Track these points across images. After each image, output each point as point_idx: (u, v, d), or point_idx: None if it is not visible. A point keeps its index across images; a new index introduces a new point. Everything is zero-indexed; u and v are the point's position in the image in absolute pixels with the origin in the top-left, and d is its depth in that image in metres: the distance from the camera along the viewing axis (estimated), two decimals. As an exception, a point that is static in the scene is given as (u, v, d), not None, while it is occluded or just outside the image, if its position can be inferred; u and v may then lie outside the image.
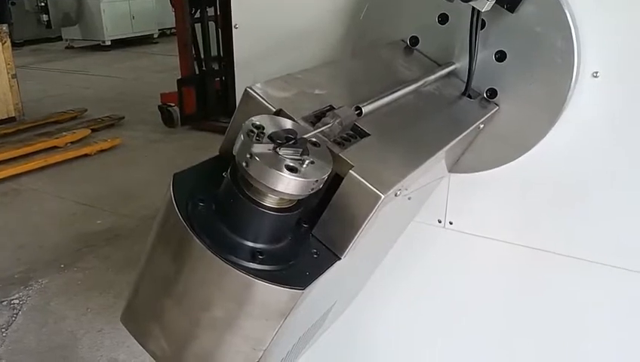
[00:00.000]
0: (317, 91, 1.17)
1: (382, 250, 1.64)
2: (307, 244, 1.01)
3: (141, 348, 1.11)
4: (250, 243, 0.93)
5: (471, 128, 1.34)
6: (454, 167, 1.57)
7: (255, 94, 1.05)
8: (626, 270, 1.48)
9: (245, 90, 1.06)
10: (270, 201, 0.91)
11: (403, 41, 1.56)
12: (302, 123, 1.03)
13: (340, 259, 1.03)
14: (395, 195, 1.03)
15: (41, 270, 3.82)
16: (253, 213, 0.91)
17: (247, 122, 0.90)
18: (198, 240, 0.90)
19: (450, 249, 1.71)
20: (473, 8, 1.33)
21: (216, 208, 0.95)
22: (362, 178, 0.98)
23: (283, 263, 0.93)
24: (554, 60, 1.36)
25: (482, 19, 1.38)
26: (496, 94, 1.45)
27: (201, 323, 1.00)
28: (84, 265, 3.89)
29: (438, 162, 1.28)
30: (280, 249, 0.96)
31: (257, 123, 0.91)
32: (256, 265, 0.90)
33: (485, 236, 1.65)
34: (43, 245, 4.16)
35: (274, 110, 1.03)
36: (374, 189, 0.97)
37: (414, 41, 1.55)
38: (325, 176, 0.90)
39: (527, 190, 1.56)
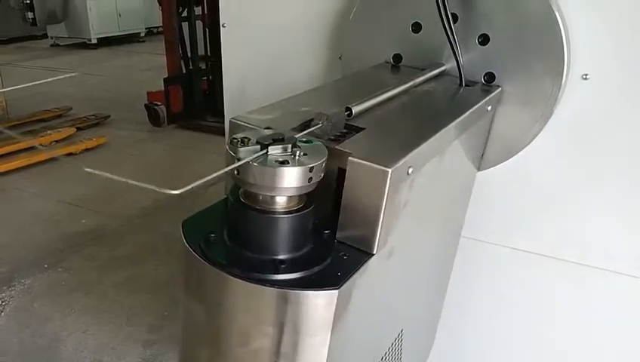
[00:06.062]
0: (304, 108, 1.15)
1: (439, 267, 1.55)
2: (333, 249, 0.96)
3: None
4: (270, 256, 0.89)
5: (476, 106, 1.29)
6: (483, 164, 1.55)
7: (240, 122, 1.05)
8: (611, 272, 1.49)
9: (230, 120, 1.06)
10: (276, 205, 0.89)
11: (387, 62, 1.57)
12: (291, 133, 1.00)
13: (371, 254, 0.96)
14: (407, 173, 0.97)
15: (24, 270, 3.76)
16: (262, 221, 0.88)
17: (232, 136, 0.89)
18: (213, 267, 0.88)
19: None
20: (437, 3, 1.34)
21: (228, 235, 0.94)
22: (363, 160, 0.93)
23: (308, 269, 0.89)
24: (538, 24, 1.35)
25: (453, 13, 1.39)
26: (494, 77, 1.44)
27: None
28: (69, 265, 3.83)
29: (449, 143, 1.20)
30: (303, 256, 0.92)
31: (243, 135, 0.89)
32: (280, 275, 0.86)
33: (470, 237, 1.65)
34: (26, 245, 4.10)
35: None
36: (379, 166, 0.92)
37: (398, 58, 1.56)
38: (322, 162, 0.87)
39: (512, 192, 1.56)
